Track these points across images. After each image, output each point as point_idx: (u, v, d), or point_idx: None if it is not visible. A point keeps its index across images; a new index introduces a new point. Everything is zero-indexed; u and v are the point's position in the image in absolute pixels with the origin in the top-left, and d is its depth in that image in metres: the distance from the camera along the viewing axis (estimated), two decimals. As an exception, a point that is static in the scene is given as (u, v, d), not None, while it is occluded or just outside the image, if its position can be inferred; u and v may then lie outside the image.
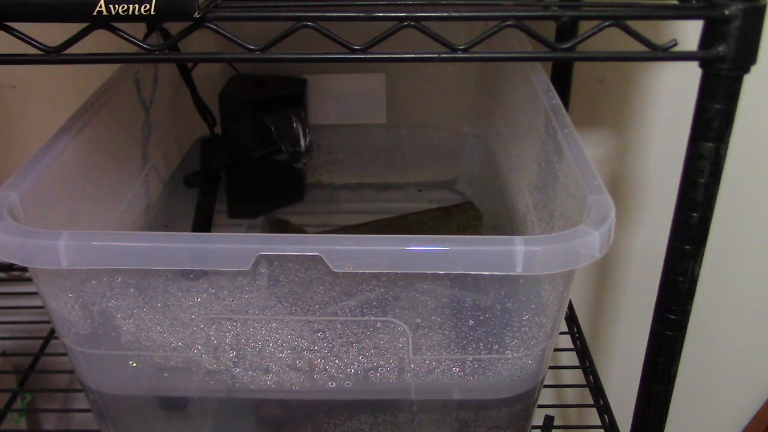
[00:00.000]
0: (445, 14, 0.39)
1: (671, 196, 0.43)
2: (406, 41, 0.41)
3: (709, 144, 0.41)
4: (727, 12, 0.37)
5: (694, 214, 0.43)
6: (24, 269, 0.86)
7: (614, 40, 0.42)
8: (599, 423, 0.69)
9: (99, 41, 0.40)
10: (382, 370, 0.49)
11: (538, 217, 0.58)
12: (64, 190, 0.52)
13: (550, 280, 0.45)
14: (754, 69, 0.39)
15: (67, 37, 0.39)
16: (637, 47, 0.40)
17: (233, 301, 0.46)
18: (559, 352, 0.83)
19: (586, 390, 0.73)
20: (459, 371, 0.49)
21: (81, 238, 0.42)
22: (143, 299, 0.46)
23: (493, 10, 0.39)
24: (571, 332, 0.80)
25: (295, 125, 0.77)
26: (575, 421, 0.97)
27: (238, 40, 0.39)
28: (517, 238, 0.41)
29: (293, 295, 0.46)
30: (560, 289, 0.46)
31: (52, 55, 0.39)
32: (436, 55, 0.40)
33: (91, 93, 0.59)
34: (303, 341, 0.48)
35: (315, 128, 0.82)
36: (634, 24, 0.39)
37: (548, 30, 0.47)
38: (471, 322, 0.46)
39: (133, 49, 0.39)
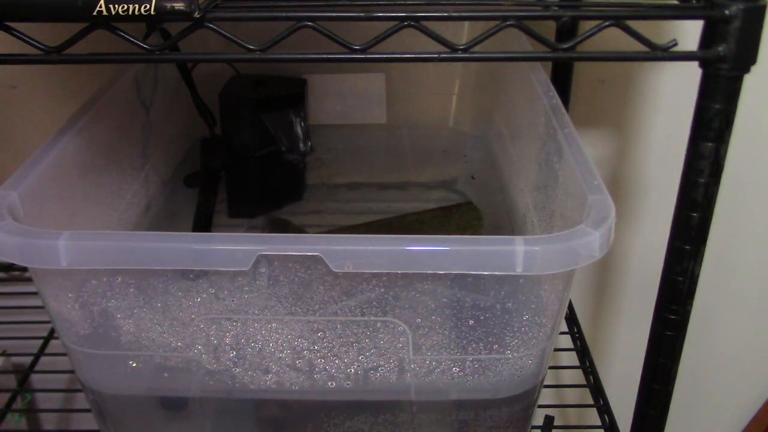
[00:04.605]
0: (445, 14, 0.39)
1: (671, 196, 0.43)
2: (406, 41, 0.41)
3: (709, 144, 0.41)
4: (727, 12, 0.37)
5: (694, 214, 0.43)
6: (24, 269, 0.86)
7: (614, 40, 0.43)
8: (599, 423, 0.69)
9: (99, 41, 0.40)
10: (382, 370, 0.49)
11: (538, 217, 0.58)
12: (64, 190, 0.52)
13: (550, 280, 0.45)
14: (754, 69, 0.39)
15: (67, 37, 0.39)
16: (637, 47, 0.40)
17: (233, 301, 0.46)
18: (559, 352, 0.83)
19: (586, 390, 0.73)
20: (459, 371, 0.49)
21: (81, 238, 0.42)
22: (143, 299, 0.46)
23: (493, 10, 0.39)
24: (571, 332, 0.80)
25: (295, 125, 0.77)
26: (575, 421, 0.97)
27: (238, 40, 0.39)
28: (517, 238, 0.41)
29: (293, 295, 0.46)
30: (560, 289, 0.46)
31: (52, 55, 0.39)
32: (436, 55, 0.40)
33: (91, 93, 0.59)
34: (303, 341, 0.48)
35: (315, 128, 0.82)
36: (634, 24, 0.39)
37: (548, 30, 0.47)
38: (471, 322, 0.46)
39: (133, 49, 0.39)
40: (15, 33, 0.39)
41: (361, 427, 0.53)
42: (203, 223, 0.75)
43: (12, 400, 0.73)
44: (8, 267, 0.93)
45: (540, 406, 0.62)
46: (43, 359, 0.78)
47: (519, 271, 0.41)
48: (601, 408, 0.70)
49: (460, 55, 0.39)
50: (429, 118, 0.85)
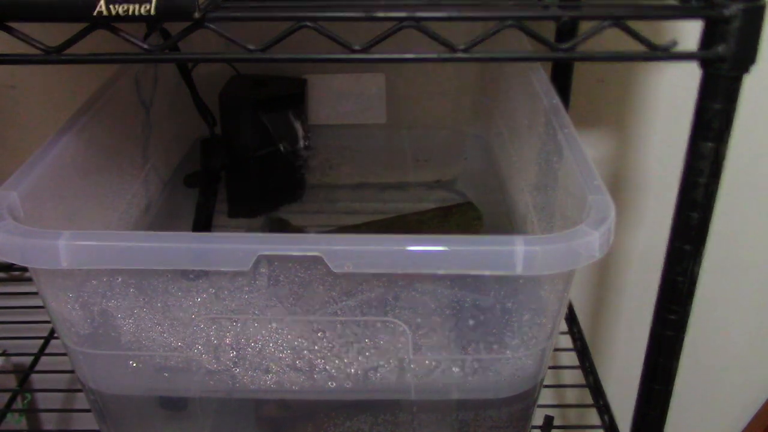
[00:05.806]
0: (445, 14, 0.39)
1: (671, 196, 0.43)
2: (406, 41, 0.41)
3: (709, 144, 0.41)
4: (726, 12, 0.37)
5: (694, 214, 0.43)
6: (24, 269, 0.86)
7: (614, 40, 0.42)
8: (599, 423, 0.69)
9: (99, 41, 0.40)
10: (382, 370, 0.49)
11: (538, 217, 0.58)
12: (64, 190, 0.52)
13: (550, 280, 0.45)
14: (754, 69, 0.39)
15: (67, 37, 0.39)
16: (637, 47, 0.40)
17: (233, 301, 0.46)
18: (559, 352, 0.83)
19: (586, 390, 0.73)
20: (459, 371, 0.49)
21: (81, 238, 0.42)
22: (143, 299, 0.46)
23: (493, 10, 0.39)
24: (571, 332, 0.80)
25: (295, 125, 0.77)
26: (575, 421, 0.97)
27: (238, 41, 0.39)
28: (517, 238, 0.41)
29: (293, 295, 0.46)
30: (560, 289, 0.46)
31: (52, 55, 0.39)
32: (436, 55, 0.40)
33: (91, 93, 0.59)
34: (303, 341, 0.48)
35: (315, 128, 0.82)
36: (634, 24, 0.39)
37: (548, 30, 0.47)
38: (471, 322, 0.46)
39: (133, 49, 0.39)
40: (15, 33, 0.39)
41: (361, 427, 0.53)
42: (203, 223, 0.75)
43: (12, 400, 0.73)
44: (8, 267, 0.93)
45: (540, 406, 0.62)
46: (43, 359, 0.78)
47: (519, 271, 0.41)
48: (601, 408, 0.70)
49: (460, 55, 0.39)
50: (429, 118, 0.85)
